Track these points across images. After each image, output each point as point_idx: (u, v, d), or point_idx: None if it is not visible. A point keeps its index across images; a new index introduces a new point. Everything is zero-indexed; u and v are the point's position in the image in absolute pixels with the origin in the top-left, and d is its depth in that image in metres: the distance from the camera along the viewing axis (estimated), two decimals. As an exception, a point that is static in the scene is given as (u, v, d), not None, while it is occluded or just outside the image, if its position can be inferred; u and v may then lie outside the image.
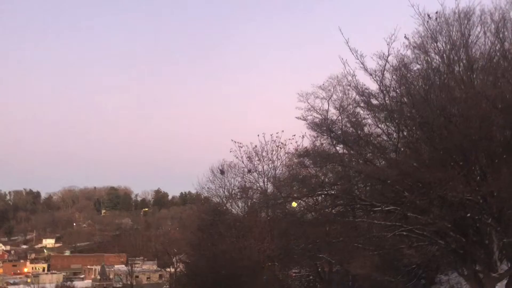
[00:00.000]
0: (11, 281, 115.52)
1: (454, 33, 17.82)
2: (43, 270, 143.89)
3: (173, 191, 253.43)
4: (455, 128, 15.72)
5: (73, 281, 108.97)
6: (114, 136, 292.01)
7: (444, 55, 17.91)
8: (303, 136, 30.02)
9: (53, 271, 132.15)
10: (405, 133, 19.31)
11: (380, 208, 18.03)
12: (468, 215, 16.22)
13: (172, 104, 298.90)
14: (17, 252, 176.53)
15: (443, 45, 17.99)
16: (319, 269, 31.04)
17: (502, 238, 16.69)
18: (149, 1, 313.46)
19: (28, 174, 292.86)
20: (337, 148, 21.88)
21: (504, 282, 17.20)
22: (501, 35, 17.55)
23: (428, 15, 17.85)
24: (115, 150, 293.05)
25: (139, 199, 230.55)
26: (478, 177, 16.37)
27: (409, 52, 18.74)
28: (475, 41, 18.13)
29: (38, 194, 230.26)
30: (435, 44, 18.12)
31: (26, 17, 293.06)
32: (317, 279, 32.53)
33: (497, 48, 17.80)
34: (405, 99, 18.36)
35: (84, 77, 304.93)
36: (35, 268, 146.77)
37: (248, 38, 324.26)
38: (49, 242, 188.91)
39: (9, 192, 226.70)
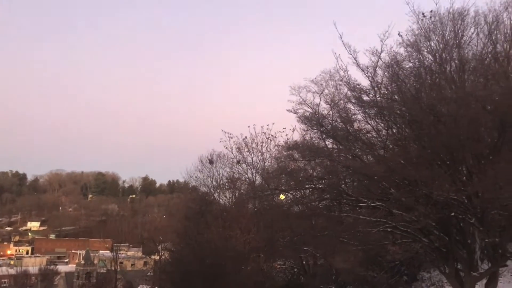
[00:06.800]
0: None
1: (447, 33, 17.86)
2: (27, 253, 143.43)
3: (161, 179, 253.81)
4: (443, 127, 15.78)
5: (57, 265, 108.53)
6: (103, 121, 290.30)
7: (437, 54, 17.94)
8: (293, 129, 30.16)
9: (37, 254, 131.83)
10: (394, 130, 19.38)
11: (366, 204, 18.12)
12: (452, 214, 16.33)
13: (164, 92, 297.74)
14: (1, 233, 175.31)
15: (436, 44, 18.02)
16: (304, 262, 31.22)
17: (484, 238, 16.90)
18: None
19: (15, 155, 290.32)
20: (326, 142, 21.96)
21: (484, 281, 17.44)
22: (493, 37, 17.66)
23: (423, 14, 17.90)
24: (104, 135, 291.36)
25: (126, 185, 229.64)
26: (464, 177, 16.48)
27: (402, 50, 18.78)
28: (468, 41, 18.20)
29: (24, 176, 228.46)
30: (428, 42, 18.14)
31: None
32: (301, 271, 32.73)
33: (489, 50, 17.91)
34: (396, 97, 18.39)
35: (74, 66, 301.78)
36: (19, 251, 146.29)
37: (241, 29, 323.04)
38: (34, 225, 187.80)
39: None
